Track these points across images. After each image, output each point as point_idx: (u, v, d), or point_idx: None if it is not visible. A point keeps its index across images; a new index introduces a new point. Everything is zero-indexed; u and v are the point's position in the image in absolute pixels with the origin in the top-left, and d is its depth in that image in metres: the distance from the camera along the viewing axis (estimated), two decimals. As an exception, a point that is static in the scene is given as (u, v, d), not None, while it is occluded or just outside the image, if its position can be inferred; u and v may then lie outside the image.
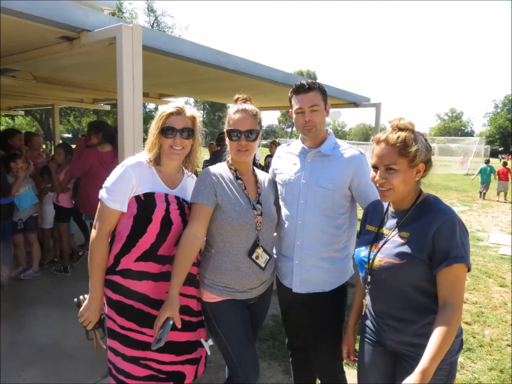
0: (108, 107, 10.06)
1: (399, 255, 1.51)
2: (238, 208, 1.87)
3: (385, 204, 1.73)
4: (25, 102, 8.88)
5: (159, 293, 1.82)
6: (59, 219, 4.86)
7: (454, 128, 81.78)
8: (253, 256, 1.90)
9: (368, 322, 1.76)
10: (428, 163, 1.57)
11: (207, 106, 72.06)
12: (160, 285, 1.82)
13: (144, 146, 1.92)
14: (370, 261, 1.61)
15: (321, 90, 2.02)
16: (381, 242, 1.61)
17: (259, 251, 1.92)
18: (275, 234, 2.14)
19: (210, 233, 1.93)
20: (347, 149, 2.07)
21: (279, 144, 8.82)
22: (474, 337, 3.65)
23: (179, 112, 1.85)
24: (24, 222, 4.63)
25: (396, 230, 1.58)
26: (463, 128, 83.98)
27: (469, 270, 1.46)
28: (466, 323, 3.96)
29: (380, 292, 1.63)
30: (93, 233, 1.81)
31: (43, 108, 13.36)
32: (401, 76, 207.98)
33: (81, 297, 1.90)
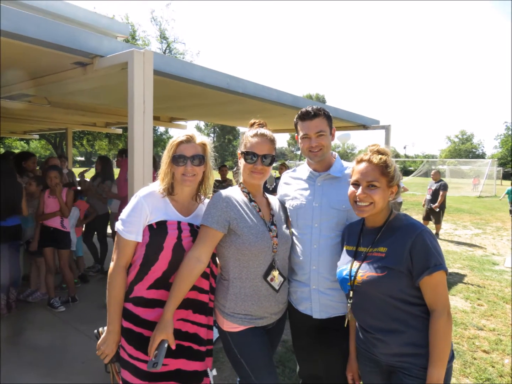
0: (120, 131, 10.21)
1: (380, 268, 1.61)
2: (255, 231, 1.85)
3: (359, 225, 1.85)
4: (40, 126, 9.09)
5: None
6: (61, 245, 4.57)
7: (464, 150, 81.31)
8: (268, 278, 1.88)
9: (359, 342, 1.80)
10: (399, 187, 1.75)
11: (217, 129, 73.09)
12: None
13: (157, 176, 1.94)
14: (353, 277, 1.70)
15: (327, 116, 2.04)
16: (361, 259, 1.71)
17: (275, 273, 1.90)
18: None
19: (225, 259, 1.91)
20: None
21: (288, 167, 8.86)
22: (493, 366, 3.49)
23: (189, 140, 1.87)
24: (26, 244, 4.60)
25: (374, 246, 1.69)
26: (474, 150, 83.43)
27: (446, 274, 1.58)
28: (484, 351, 3.79)
29: (365, 306, 1.69)
30: (111, 265, 1.82)
31: (57, 132, 13.64)
32: (411, 98, 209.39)
33: (100, 329, 1.88)
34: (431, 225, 9.60)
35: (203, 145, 1.92)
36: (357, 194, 1.68)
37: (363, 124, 6.38)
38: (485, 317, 4.70)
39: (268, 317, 1.92)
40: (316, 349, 2.10)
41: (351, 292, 1.71)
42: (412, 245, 1.57)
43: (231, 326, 1.88)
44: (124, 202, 4.62)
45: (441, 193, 9.16)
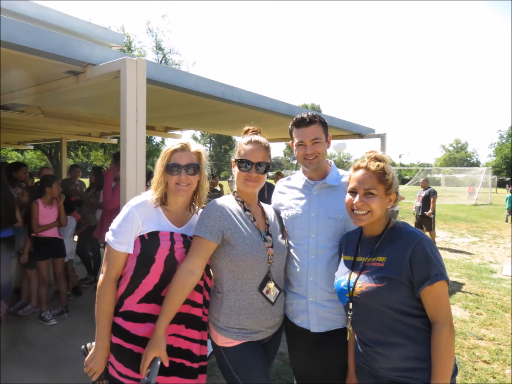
0: (115, 141, 10.16)
1: (379, 278, 1.55)
2: (250, 241, 1.79)
3: (357, 234, 1.80)
4: (34, 137, 9.01)
5: None
6: (58, 254, 4.53)
7: (459, 158, 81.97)
8: (264, 291, 1.81)
9: (358, 355, 1.73)
10: (397, 195, 1.69)
11: (213, 139, 73.27)
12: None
13: (149, 185, 1.87)
14: (351, 289, 1.64)
15: (322, 123, 1.99)
16: (359, 269, 1.66)
17: (270, 285, 1.83)
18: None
19: (218, 271, 1.84)
20: None
21: (284, 176, 8.83)
22: (494, 377, 3.43)
23: (184, 148, 1.81)
24: (17, 256, 4.51)
25: (372, 256, 1.64)
26: (468, 158, 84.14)
27: (448, 284, 1.52)
28: (485, 361, 3.73)
29: (364, 319, 1.63)
30: (101, 277, 1.74)
31: (52, 142, 13.58)
32: (405, 107, 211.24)
33: (88, 344, 1.80)
34: (424, 233, 9.58)
35: (198, 154, 1.87)
36: (354, 202, 1.64)
37: (358, 133, 6.36)
38: (485, 326, 4.65)
39: (264, 331, 1.85)
40: (314, 363, 2.02)
41: (351, 304, 1.65)
42: (412, 254, 1.52)
43: (225, 341, 1.81)
44: (105, 211, 4.56)
45: (431, 199, 9.16)
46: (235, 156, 1.92)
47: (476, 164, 76.60)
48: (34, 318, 4.40)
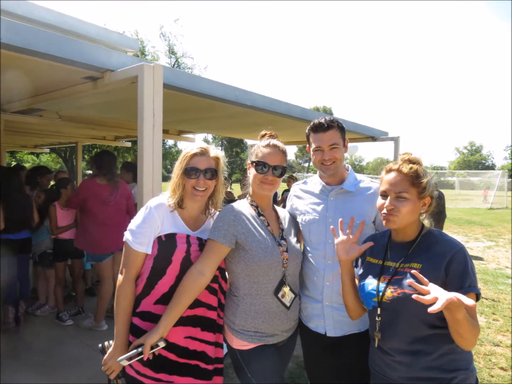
0: (129, 144, 10.30)
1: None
2: (264, 245, 1.80)
3: (385, 237, 1.75)
4: (50, 140, 9.18)
5: (176, 337, 1.75)
6: (76, 255, 4.64)
7: (474, 161, 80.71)
8: (279, 295, 1.82)
9: (374, 364, 1.68)
10: (432, 199, 1.63)
11: (225, 142, 73.48)
12: (179, 329, 1.75)
13: (169, 188, 1.89)
14: (380, 293, 1.58)
15: (340, 128, 1.99)
16: (390, 274, 1.60)
17: (286, 289, 1.84)
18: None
19: (234, 275, 1.86)
20: (370, 183, 2.02)
21: (296, 179, 8.82)
22: (511, 385, 3.37)
23: (203, 152, 1.84)
24: (38, 256, 4.62)
25: (405, 262, 1.58)
26: (483, 161, 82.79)
27: (478, 299, 1.45)
28: (502, 368, 3.67)
29: (391, 326, 1.57)
30: (120, 278, 1.78)
31: (67, 145, 13.81)
32: (419, 109, 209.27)
33: (106, 343, 1.83)
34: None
35: (217, 159, 1.90)
36: (385, 206, 1.60)
37: (371, 136, 6.33)
38: (501, 332, 4.57)
39: (279, 334, 1.87)
40: (329, 367, 2.02)
41: (379, 310, 1.59)
42: (450, 261, 1.47)
43: (240, 344, 1.83)
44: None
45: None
46: (252, 158, 1.93)
47: (492, 167, 75.34)
48: (51, 318, 4.49)
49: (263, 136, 2.03)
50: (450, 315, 1.31)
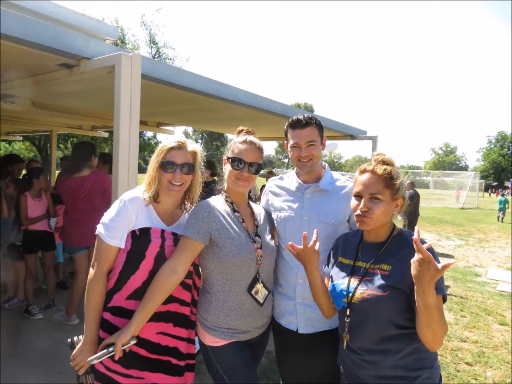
0: (106, 134, 10.07)
1: (382, 287, 1.51)
2: (238, 242, 1.79)
3: (357, 237, 1.75)
4: (24, 128, 8.88)
5: (148, 333, 1.73)
6: (48, 247, 4.53)
7: (448, 162, 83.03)
8: (252, 292, 1.82)
9: (342, 363, 1.70)
10: (404, 200, 1.64)
11: (205, 135, 72.96)
12: (151, 325, 1.72)
13: (145, 182, 1.85)
14: (350, 294, 1.59)
15: (318, 125, 2.00)
16: (360, 274, 1.61)
17: (259, 286, 1.84)
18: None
19: (208, 272, 1.84)
20: (345, 182, 2.04)
21: (276, 174, 8.84)
22: (476, 379, 3.50)
23: (180, 147, 1.81)
24: (6, 249, 4.45)
25: (376, 263, 1.59)
26: (457, 162, 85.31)
27: (444, 301, 1.48)
28: (467, 363, 3.81)
29: (360, 326, 1.58)
30: (91, 272, 1.73)
31: (41, 134, 13.40)
32: (397, 109, 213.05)
33: (75, 338, 1.78)
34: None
35: (194, 154, 1.87)
36: (359, 208, 1.59)
37: (350, 134, 6.40)
38: (468, 328, 4.74)
39: (252, 331, 1.87)
40: (300, 364, 2.04)
41: (348, 310, 1.60)
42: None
43: (212, 340, 1.82)
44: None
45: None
46: (228, 154, 1.91)
47: (465, 168, 77.73)
48: (20, 311, 4.36)
49: (240, 132, 2.01)
50: (422, 298, 1.34)
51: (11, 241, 4.44)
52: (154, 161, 1.80)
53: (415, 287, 1.37)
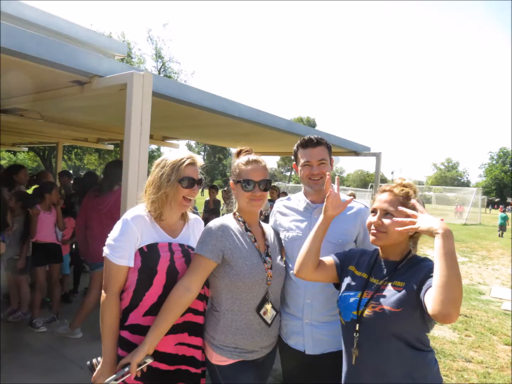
0: (111, 147, 10.16)
1: (396, 302, 1.51)
2: (249, 262, 1.80)
3: (374, 255, 1.78)
4: (30, 139, 8.96)
5: (166, 346, 1.74)
6: (56, 260, 4.59)
7: (450, 177, 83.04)
8: (261, 312, 1.82)
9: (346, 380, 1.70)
10: None
11: (208, 148, 73.31)
12: (169, 338, 1.74)
13: (146, 200, 1.85)
14: (361, 308, 1.60)
15: (327, 146, 2.07)
16: (373, 289, 1.63)
17: (268, 306, 1.84)
18: None
19: (217, 290, 1.85)
20: (352, 203, 2.06)
21: (278, 189, 8.88)
22: (482, 401, 3.46)
23: (194, 163, 1.85)
24: (6, 262, 4.40)
25: (390, 280, 1.61)
26: (459, 178, 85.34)
27: None
28: (473, 384, 3.76)
29: (369, 342, 1.58)
30: (103, 294, 1.74)
31: (47, 145, 13.52)
32: (398, 125, 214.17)
33: (94, 360, 1.79)
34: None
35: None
36: (373, 222, 1.66)
37: (354, 151, 6.45)
38: (473, 348, 4.69)
39: (259, 351, 1.87)
40: None
41: (357, 325, 1.60)
42: (427, 272, 1.50)
43: (219, 359, 1.82)
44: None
45: None
46: (234, 178, 1.92)
47: (467, 184, 77.71)
48: (24, 324, 4.34)
49: (238, 153, 2.02)
50: (443, 241, 1.36)
51: (10, 255, 4.41)
52: (166, 178, 1.76)
53: (435, 239, 1.40)
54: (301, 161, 2.04)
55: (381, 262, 1.72)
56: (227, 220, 1.92)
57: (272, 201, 6.54)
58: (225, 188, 7.76)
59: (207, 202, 8.36)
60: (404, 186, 1.69)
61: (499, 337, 5.11)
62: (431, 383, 1.55)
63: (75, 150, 22.04)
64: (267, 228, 2.10)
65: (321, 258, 1.84)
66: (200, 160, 1.90)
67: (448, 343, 4.79)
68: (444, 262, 1.34)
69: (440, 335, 5.05)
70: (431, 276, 1.45)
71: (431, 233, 1.42)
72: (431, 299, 1.36)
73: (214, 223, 1.86)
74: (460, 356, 4.41)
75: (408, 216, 1.54)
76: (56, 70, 2.57)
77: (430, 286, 1.41)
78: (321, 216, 1.79)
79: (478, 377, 3.91)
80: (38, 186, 4.93)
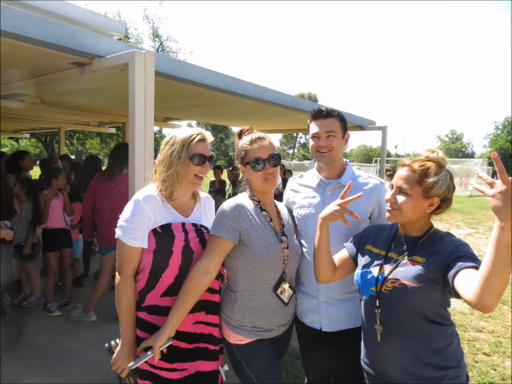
0: (113, 130, 10.08)
1: (416, 278, 1.48)
2: (266, 242, 1.77)
3: (392, 230, 1.74)
4: (32, 125, 8.92)
5: (184, 325, 1.74)
6: (66, 244, 4.64)
7: (455, 149, 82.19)
8: (278, 292, 1.81)
9: (365, 359, 1.70)
10: (445, 201, 1.59)
11: (209, 127, 72.84)
12: (187, 317, 1.73)
13: (156, 179, 1.80)
14: (380, 283, 1.57)
15: (340, 118, 1.99)
16: (392, 265, 1.59)
17: (285, 286, 1.83)
18: None
19: (234, 271, 1.84)
20: (367, 178, 2.02)
21: (284, 166, 8.81)
22: (495, 369, 3.49)
23: (205, 139, 1.80)
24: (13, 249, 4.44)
25: (409, 255, 1.57)
26: (463, 149, 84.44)
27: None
28: (485, 354, 3.80)
29: (391, 316, 1.56)
30: (117, 276, 1.73)
31: (49, 130, 13.44)
32: (401, 97, 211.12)
33: (112, 342, 1.80)
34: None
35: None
36: (387, 197, 1.64)
37: (359, 125, 6.35)
38: (484, 318, 4.72)
39: (276, 329, 1.87)
40: (325, 362, 2.05)
41: (377, 301, 1.58)
42: (452, 252, 1.46)
43: (237, 339, 1.82)
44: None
45: None
46: (242, 160, 1.87)
47: (471, 155, 76.98)
48: (38, 309, 4.41)
49: (240, 134, 1.96)
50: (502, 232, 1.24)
51: (16, 242, 4.40)
52: (177, 155, 1.71)
53: (496, 223, 1.28)
54: (311, 132, 2.01)
55: (400, 237, 1.69)
56: (242, 199, 1.87)
57: (285, 179, 6.49)
58: (230, 168, 7.70)
59: (212, 183, 8.32)
60: (428, 160, 1.60)
61: (509, 307, 5.14)
62: (451, 356, 1.54)
63: (77, 134, 21.94)
64: (281, 207, 2.07)
65: (335, 256, 1.83)
66: (210, 136, 1.84)
67: (459, 314, 4.82)
68: (501, 255, 1.22)
69: (450, 306, 5.08)
70: (461, 256, 1.41)
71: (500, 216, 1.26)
72: (473, 287, 1.27)
73: (229, 203, 1.82)
74: (471, 326, 4.44)
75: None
76: (55, 51, 2.50)
77: (462, 268, 1.37)
78: (318, 224, 1.78)
79: (490, 347, 3.94)
80: (42, 172, 4.92)
